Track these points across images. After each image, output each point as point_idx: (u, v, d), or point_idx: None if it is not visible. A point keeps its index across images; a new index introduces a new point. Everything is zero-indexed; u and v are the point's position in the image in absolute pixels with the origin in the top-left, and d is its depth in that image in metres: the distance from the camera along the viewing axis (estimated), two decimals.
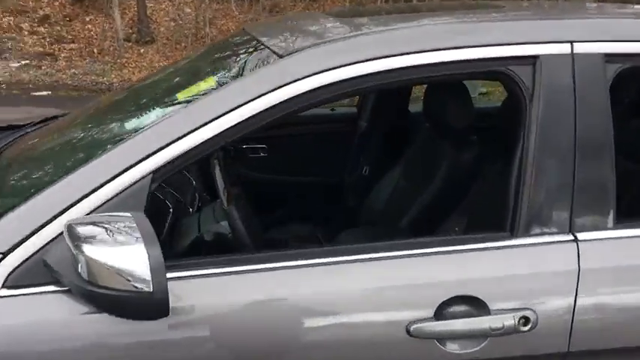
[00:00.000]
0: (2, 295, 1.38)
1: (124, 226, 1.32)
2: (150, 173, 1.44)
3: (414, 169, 2.62)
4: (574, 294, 1.53)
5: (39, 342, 1.39)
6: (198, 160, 1.54)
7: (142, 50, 11.08)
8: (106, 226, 1.34)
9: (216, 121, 1.48)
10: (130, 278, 1.28)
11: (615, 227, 1.60)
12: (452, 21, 1.86)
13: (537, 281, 1.55)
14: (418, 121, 2.74)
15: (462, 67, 1.59)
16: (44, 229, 1.40)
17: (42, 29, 11.36)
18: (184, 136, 1.46)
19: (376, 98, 2.99)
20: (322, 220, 2.76)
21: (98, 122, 1.96)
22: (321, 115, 3.03)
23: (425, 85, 2.49)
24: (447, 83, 2.23)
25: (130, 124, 1.68)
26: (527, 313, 1.51)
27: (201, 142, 1.47)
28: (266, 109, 1.50)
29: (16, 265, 1.39)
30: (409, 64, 1.55)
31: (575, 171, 1.57)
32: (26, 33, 11.22)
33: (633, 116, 2.31)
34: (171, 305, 1.34)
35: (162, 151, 1.45)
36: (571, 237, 1.57)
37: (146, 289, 1.28)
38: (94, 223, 1.35)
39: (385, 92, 2.89)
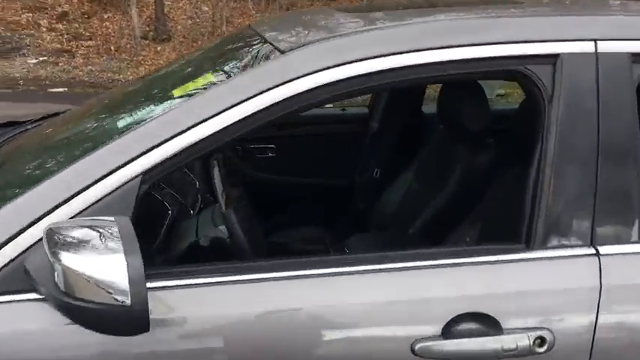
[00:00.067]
0: None
1: (107, 232, 1.24)
2: (139, 175, 1.37)
3: (427, 171, 2.55)
4: (595, 313, 1.44)
5: (17, 352, 1.32)
6: (192, 160, 1.47)
7: (158, 48, 11.09)
8: (87, 231, 1.25)
9: (209, 121, 1.40)
10: (106, 289, 1.20)
11: None
12: (466, 17, 1.76)
13: (555, 298, 1.45)
14: (432, 122, 2.66)
15: (475, 66, 1.51)
16: (25, 233, 1.32)
17: (60, 26, 11.43)
18: (176, 135, 1.39)
19: (388, 98, 2.91)
20: (331, 222, 2.69)
21: (90, 121, 1.89)
22: (331, 115, 2.99)
23: (440, 85, 2.42)
24: (460, 83, 2.15)
25: (122, 123, 1.60)
26: (543, 332, 1.42)
27: (194, 143, 1.39)
28: (266, 109, 1.42)
29: None
30: (418, 62, 1.47)
31: (598, 178, 1.48)
32: (44, 30, 11.30)
33: None
34: (160, 317, 1.27)
35: (153, 151, 1.38)
36: (592, 250, 1.48)
37: (126, 302, 1.19)
38: (74, 228, 1.27)
39: (397, 92, 2.82)
